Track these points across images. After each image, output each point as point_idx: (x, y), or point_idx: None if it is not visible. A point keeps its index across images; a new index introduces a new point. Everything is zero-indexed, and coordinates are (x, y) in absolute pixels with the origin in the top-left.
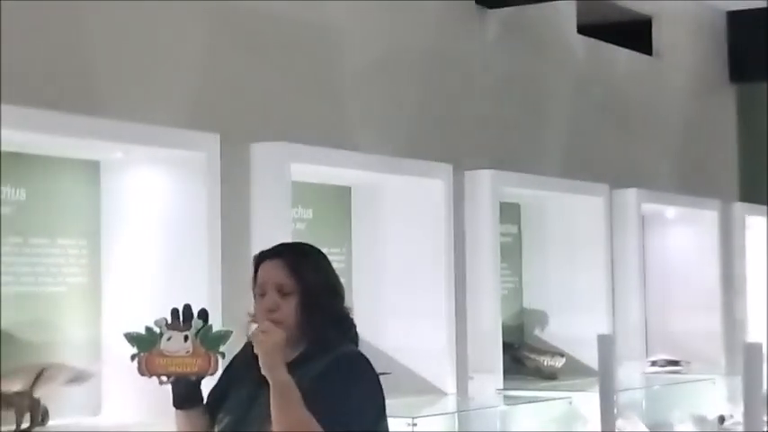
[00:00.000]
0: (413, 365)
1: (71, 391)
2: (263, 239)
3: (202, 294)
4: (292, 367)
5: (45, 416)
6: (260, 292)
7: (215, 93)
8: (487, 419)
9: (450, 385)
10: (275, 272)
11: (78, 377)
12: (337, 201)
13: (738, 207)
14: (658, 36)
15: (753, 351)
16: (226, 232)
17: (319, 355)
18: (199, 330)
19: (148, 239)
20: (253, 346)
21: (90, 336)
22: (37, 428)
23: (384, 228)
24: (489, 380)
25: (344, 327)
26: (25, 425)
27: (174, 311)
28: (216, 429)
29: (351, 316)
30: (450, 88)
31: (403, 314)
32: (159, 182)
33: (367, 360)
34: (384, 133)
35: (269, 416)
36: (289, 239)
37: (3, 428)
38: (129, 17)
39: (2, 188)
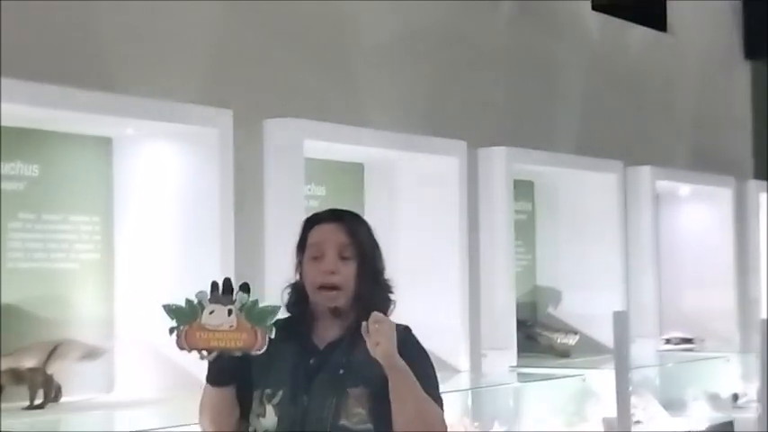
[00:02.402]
0: (426, 342)
1: (84, 367)
2: (276, 216)
3: (215, 271)
4: (353, 335)
5: (58, 392)
6: (316, 255)
7: (228, 68)
8: (500, 396)
9: (463, 362)
10: (336, 235)
11: (91, 354)
12: (350, 178)
13: (753, 185)
14: (673, 13)
15: None
16: (239, 209)
17: None
18: (244, 304)
19: (161, 216)
20: (280, 320)
21: (103, 312)
22: (50, 405)
23: (397, 205)
24: (502, 357)
25: (390, 295)
26: (38, 401)
27: (215, 285)
28: (267, 404)
29: (392, 285)
30: (464, 65)
31: (416, 292)
32: (172, 158)
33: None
34: (398, 110)
35: (343, 389)
36: (302, 217)
37: (16, 404)
38: None
39: (14, 164)
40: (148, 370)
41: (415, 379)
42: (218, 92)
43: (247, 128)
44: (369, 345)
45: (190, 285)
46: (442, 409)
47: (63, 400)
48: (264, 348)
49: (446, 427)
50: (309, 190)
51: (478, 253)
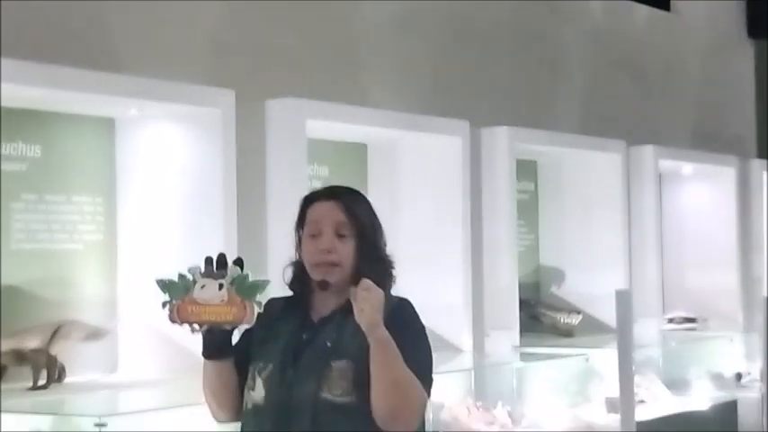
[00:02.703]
0: (429, 322)
1: (88, 347)
2: (279, 197)
3: (218, 250)
4: (346, 311)
5: (62, 372)
6: (313, 232)
7: (231, 49)
8: (503, 376)
9: (466, 342)
10: (333, 213)
11: (95, 334)
12: (353, 158)
13: (756, 164)
14: None
15: None
16: (241, 189)
17: None
18: (234, 279)
19: (164, 196)
20: (281, 298)
21: (106, 293)
22: (53, 385)
23: (400, 185)
24: (506, 337)
25: (392, 273)
26: (42, 382)
27: (209, 259)
28: (257, 377)
29: (393, 261)
30: (466, 45)
31: (419, 271)
32: (175, 138)
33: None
34: (401, 90)
35: (327, 362)
36: None
37: (20, 385)
38: None
39: (17, 144)
40: (152, 350)
41: (397, 352)
42: (220, 72)
43: (250, 108)
44: (355, 311)
45: (193, 264)
46: (429, 388)
47: (66, 380)
48: (253, 321)
49: (424, 407)
50: (312, 170)
51: (481, 233)
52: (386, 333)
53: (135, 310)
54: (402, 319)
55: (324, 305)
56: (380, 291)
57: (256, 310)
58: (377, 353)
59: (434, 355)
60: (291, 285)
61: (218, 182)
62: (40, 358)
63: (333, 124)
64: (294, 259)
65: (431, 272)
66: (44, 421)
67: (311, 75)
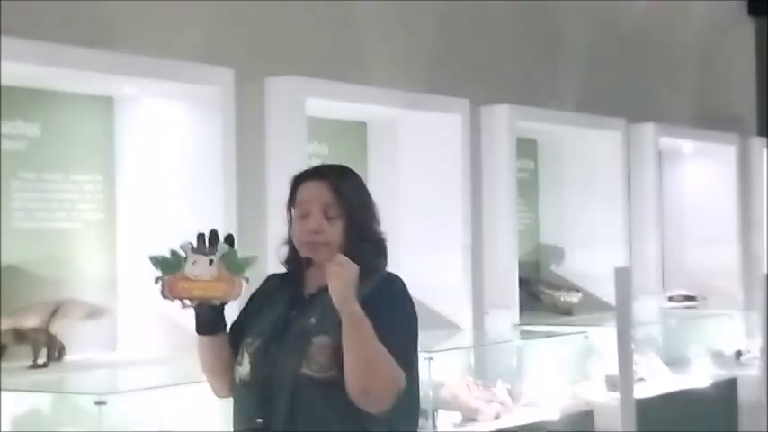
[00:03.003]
0: (429, 301)
1: (87, 326)
2: (279, 176)
3: (219, 230)
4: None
5: (61, 351)
6: (302, 213)
7: (230, 27)
8: (503, 354)
9: (466, 320)
10: (321, 193)
11: (94, 313)
12: (353, 136)
13: (756, 141)
14: None
15: None
16: (241, 168)
17: (363, 280)
18: (224, 255)
19: (163, 175)
20: (279, 274)
21: (106, 272)
22: (53, 364)
23: (400, 163)
24: (505, 315)
25: (383, 251)
26: (41, 360)
27: (200, 236)
28: (245, 353)
29: (386, 240)
30: (466, 23)
31: (419, 250)
32: (173, 117)
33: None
34: (400, 68)
35: (308, 337)
36: None
37: (19, 364)
38: None
39: (15, 123)
40: (151, 329)
41: (369, 328)
42: (219, 50)
43: (249, 86)
44: (329, 286)
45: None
46: (407, 365)
47: (66, 359)
48: (241, 297)
49: (396, 385)
50: (312, 148)
51: (481, 211)
52: (357, 309)
53: (134, 288)
54: (385, 293)
55: (313, 282)
56: (354, 265)
57: (245, 285)
58: (347, 329)
59: (434, 334)
60: (286, 263)
61: (217, 160)
62: (39, 337)
63: (332, 103)
64: (287, 237)
65: (431, 250)
66: (44, 399)
67: (311, 53)
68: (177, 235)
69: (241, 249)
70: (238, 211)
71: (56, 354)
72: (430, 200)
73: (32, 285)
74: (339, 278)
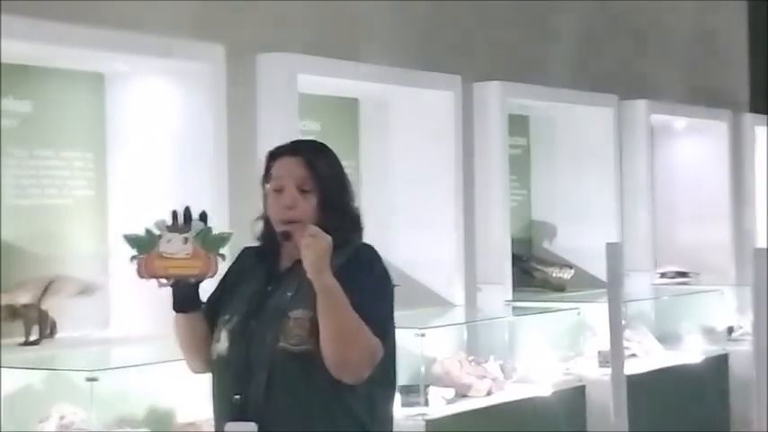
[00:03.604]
0: (422, 277)
1: (79, 303)
2: None
3: (209, 206)
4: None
5: (53, 328)
6: (276, 188)
7: (221, 3)
8: (496, 331)
9: (458, 297)
10: (295, 169)
11: (86, 289)
12: (345, 113)
13: (748, 118)
14: None
15: (761, 257)
16: (232, 145)
17: (337, 252)
18: (199, 232)
19: (154, 152)
20: (254, 248)
21: (97, 248)
22: (45, 340)
23: (392, 140)
24: (498, 291)
25: (358, 225)
26: (33, 337)
27: (174, 213)
28: (222, 329)
29: (360, 215)
30: None
31: (412, 227)
32: (164, 94)
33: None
34: (392, 44)
35: (285, 312)
36: None
37: (11, 341)
38: None
39: (6, 100)
40: (143, 305)
41: (343, 299)
42: (210, 27)
43: (241, 63)
44: (302, 258)
45: None
46: (383, 334)
47: (58, 336)
48: (217, 274)
49: (373, 355)
50: (304, 125)
51: (473, 188)
52: (331, 280)
53: (126, 265)
54: (358, 263)
55: (289, 257)
56: (327, 237)
57: (221, 262)
58: (321, 300)
59: (426, 310)
60: (260, 238)
61: (208, 137)
62: (31, 313)
63: (324, 79)
64: (262, 212)
65: (423, 227)
66: (36, 376)
67: (302, 29)
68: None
69: (234, 228)
70: (230, 187)
71: (48, 331)
72: (422, 177)
73: (24, 262)
74: (312, 249)
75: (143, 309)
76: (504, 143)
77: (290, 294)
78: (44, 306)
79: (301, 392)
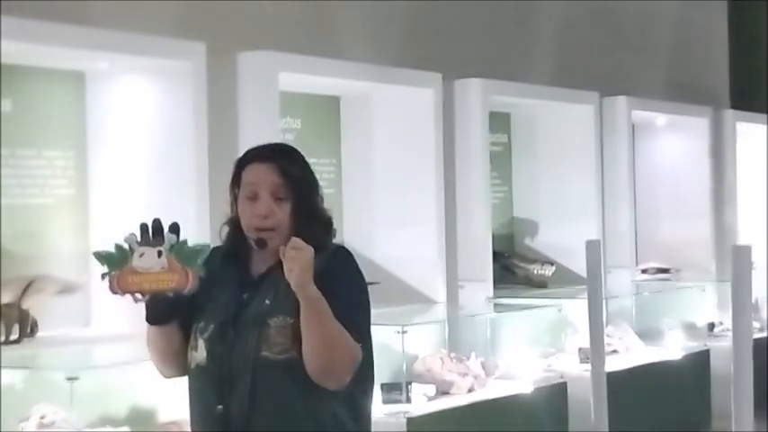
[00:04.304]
0: (403, 275)
1: (60, 302)
2: None
3: (190, 204)
4: (279, 267)
5: (34, 327)
6: (249, 195)
7: (201, 1)
8: (477, 327)
9: (440, 294)
10: (269, 176)
11: (67, 289)
12: (326, 110)
13: (729, 114)
14: None
15: (741, 253)
16: (213, 143)
17: (314, 258)
18: (173, 245)
19: (135, 150)
20: (223, 252)
21: (78, 247)
22: (26, 339)
23: (373, 137)
24: (479, 288)
25: (330, 229)
26: (14, 336)
27: (144, 227)
28: (199, 338)
29: (331, 217)
30: None
31: (393, 224)
32: (145, 92)
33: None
34: (373, 42)
35: (265, 320)
36: None
37: None
38: None
39: None
40: (124, 304)
41: (327, 308)
42: (191, 25)
43: (222, 61)
44: (285, 270)
45: (164, 220)
46: (363, 338)
47: (39, 335)
48: (195, 288)
49: (354, 361)
50: (285, 123)
51: (455, 185)
52: (315, 292)
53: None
54: (335, 268)
55: (261, 262)
56: (310, 249)
57: (198, 275)
58: (306, 312)
59: (408, 308)
60: (228, 243)
61: (189, 135)
62: (12, 313)
63: (305, 77)
64: (230, 216)
65: (404, 224)
66: (16, 376)
67: (284, 27)
68: (150, 210)
69: (215, 225)
70: (210, 186)
71: (28, 330)
72: (403, 173)
73: (5, 261)
74: (297, 263)
75: (124, 308)
76: (485, 140)
77: (268, 302)
78: (25, 305)
79: (286, 399)
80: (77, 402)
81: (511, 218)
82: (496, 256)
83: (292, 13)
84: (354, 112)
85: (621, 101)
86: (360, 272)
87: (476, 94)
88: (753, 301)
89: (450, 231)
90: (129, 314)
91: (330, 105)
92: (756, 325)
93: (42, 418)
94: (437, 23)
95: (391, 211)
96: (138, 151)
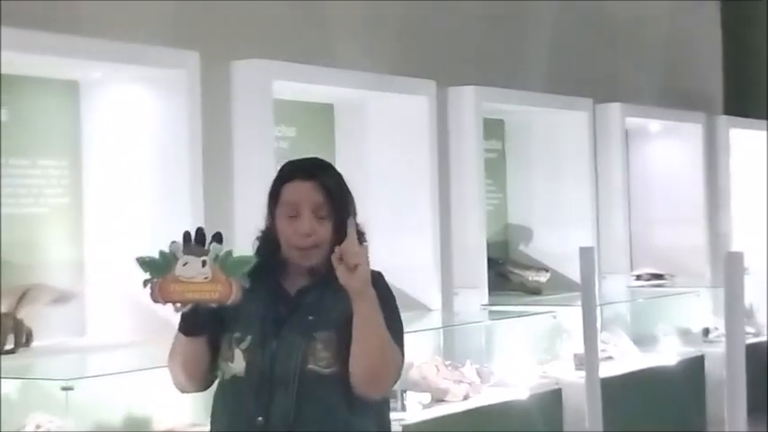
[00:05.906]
0: (398, 282)
1: (55, 311)
2: (246, 159)
3: (184, 214)
4: (324, 281)
5: (29, 336)
6: (290, 213)
7: (195, 10)
8: (472, 334)
9: (435, 301)
10: (311, 195)
11: (62, 298)
12: (320, 118)
13: (723, 120)
14: None
15: (734, 260)
16: (207, 152)
17: None
18: (218, 256)
19: (129, 159)
20: (260, 265)
21: (73, 256)
22: (21, 349)
23: (368, 145)
24: (474, 295)
25: (363, 240)
26: (9, 346)
27: (187, 235)
28: (236, 348)
29: (364, 231)
30: (433, 4)
31: (388, 231)
32: (139, 101)
33: None
34: (367, 50)
35: (311, 333)
36: (272, 158)
37: None
38: None
39: None
40: (119, 313)
41: (382, 318)
42: (185, 34)
43: (215, 69)
44: (340, 272)
45: (159, 228)
46: (403, 350)
47: (34, 344)
48: (238, 299)
49: (399, 371)
50: (279, 131)
51: (449, 192)
52: (373, 291)
53: (102, 273)
54: (380, 289)
55: (298, 276)
56: (368, 262)
57: (242, 286)
58: (364, 312)
59: (403, 315)
60: (262, 255)
61: (183, 144)
62: (6, 322)
63: (299, 85)
64: (264, 228)
65: (399, 232)
66: (11, 385)
67: (277, 36)
68: (144, 219)
69: (209, 233)
70: (205, 194)
71: (23, 339)
72: (398, 181)
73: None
74: (362, 258)
75: (119, 316)
76: (479, 147)
77: (311, 317)
78: (20, 315)
79: (328, 412)
80: (73, 412)
81: (505, 224)
82: (491, 262)
83: (286, 22)
84: (348, 119)
85: (615, 107)
86: (391, 290)
87: (470, 102)
88: (747, 306)
89: (445, 238)
90: (123, 323)
91: (324, 113)
92: (751, 330)
93: (38, 427)
94: (431, 31)
95: (386, 218)
96: (133, 160)
